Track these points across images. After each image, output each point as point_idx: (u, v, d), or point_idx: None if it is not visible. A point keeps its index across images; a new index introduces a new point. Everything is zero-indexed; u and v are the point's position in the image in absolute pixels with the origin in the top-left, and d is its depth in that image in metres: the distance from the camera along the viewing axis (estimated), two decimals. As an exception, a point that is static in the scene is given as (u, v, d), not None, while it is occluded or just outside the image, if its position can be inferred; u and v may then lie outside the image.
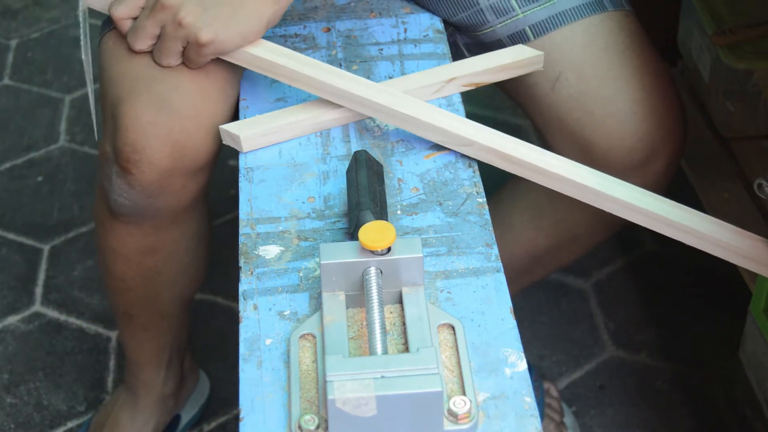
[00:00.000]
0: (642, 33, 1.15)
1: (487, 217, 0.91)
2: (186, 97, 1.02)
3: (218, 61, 1.04)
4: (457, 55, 1.20)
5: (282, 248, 0.89)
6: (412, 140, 1.00)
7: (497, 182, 1.32)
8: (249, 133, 0.99)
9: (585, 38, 1.12)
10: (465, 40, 1.19)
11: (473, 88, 1.06)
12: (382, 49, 1.11)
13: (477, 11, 1.13)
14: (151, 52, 1.03)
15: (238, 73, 1.08)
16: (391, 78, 1.07)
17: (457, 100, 1.04)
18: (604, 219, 1.19)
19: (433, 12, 1.16)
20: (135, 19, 1.03)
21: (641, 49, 1.13)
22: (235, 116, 1.08)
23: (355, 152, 0.91)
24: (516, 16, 1.12)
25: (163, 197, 1.06)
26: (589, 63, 1.11)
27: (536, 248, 1.26)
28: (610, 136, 1.11)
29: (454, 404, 0.73)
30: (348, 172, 0.90)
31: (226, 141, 1.01)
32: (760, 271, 0.97)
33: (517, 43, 1.12)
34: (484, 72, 1.05)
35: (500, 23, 1.13)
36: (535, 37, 1.12)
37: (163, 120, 1.01)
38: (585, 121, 1.12)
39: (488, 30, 1.14)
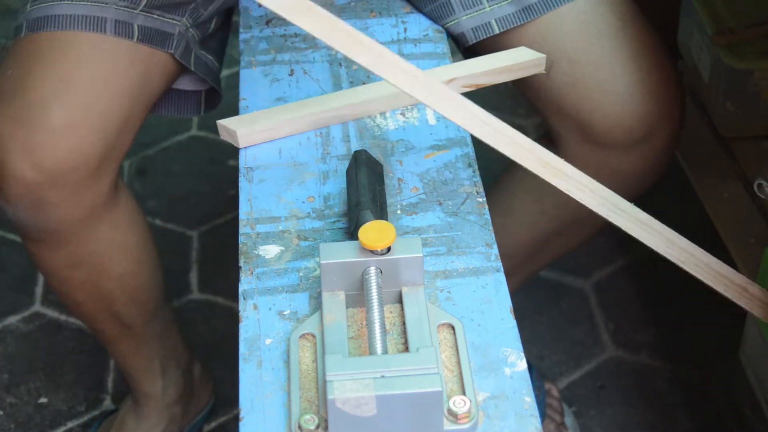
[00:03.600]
0: (636, 11, 1.14)
1: (487, 216, 0.91)
2: (48, 112, 1.02)
3: (93, 78, 1.05)
4: None
5: (282, 248, 0.89)
6: (412, 140, 1.00)
7: (497, 182, 1.32)
8: (246, 129, 0.99)
9: (576, 26, 1.11)
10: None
11: (473, 89, 1.06)
12: (382, 49, 1.11)
13: (444, 3, 1.13)
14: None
15: (129, 88, 1.08)
16: (391, 78, 1.07)
17: (457, 100, 1.04)
18: None
19: (416, 7, 1.15)
20: None
21: (636, 30, 1.12)
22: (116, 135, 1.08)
23: (354, 152, 0.91)
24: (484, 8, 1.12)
25: (45, 210, 1.07)
26: (582, 50, 1.11)
27: (540, 233, 1.26)
28: (608, 117, 1.11)
29: (454, 404, 0.73)
30: (348, 171, 0.90)
31: (223, 136, 1.01)
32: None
33: (482, 35, 1.12)
34: (485, 73, 1.05)
35: (465, 15, 1.13)
36: (500, 30, 1.11)
37: (22, 134, 1.02)
38: (582, 105, 1.12)
39: (452, 22, 1.13)
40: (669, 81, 1.14)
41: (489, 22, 1.11)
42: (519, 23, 1.10)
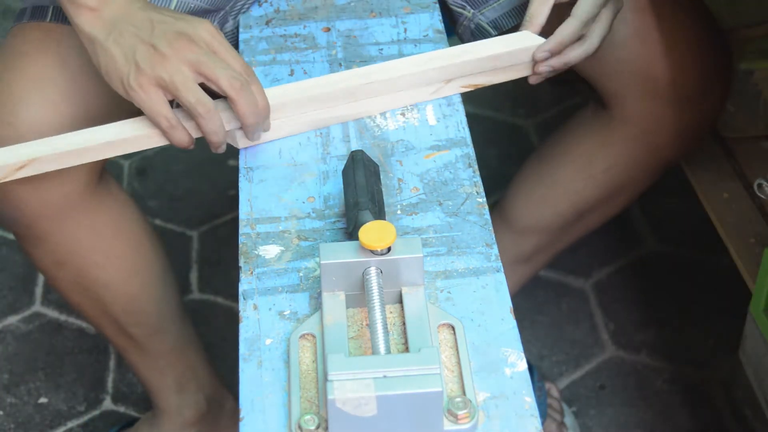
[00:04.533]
0: None
1: (487, 217, 0.91)
2: (14, 109, 1.02)
3: (71, 76, 1.04)
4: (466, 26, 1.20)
5: (282, 248, 0.89)
6: (412, 140, 1.00)
7: (497, 182, 1.32)
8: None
9: None
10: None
11: (472, 89, 1.06)
12: (382, 49, 1.11)
13: None
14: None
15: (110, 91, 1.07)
16: (391, 78, 1.07)
17: (457, 99, 1.04)
18: (653, 162, 1.22)
19: None
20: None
21: None
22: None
23: (351, 152, 0.91)
24: None
25: (13, 205, 1.07)
26: (647, 2, 1.13)
27: (583, 201, 1.26)
28: (674, 66, 1.13)
29: (454, 404, 0.73)
30: (345, 171, 0.90)
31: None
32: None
33: None
34: (483, 74, 1.05)
35: None
36: None
37: None
38: (649, 56, 1.13)
39: None
40: (720, 37, 1.17)
41: None
42: None
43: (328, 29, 1.14)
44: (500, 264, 0.87)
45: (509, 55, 1.04)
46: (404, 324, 0.80)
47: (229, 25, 1.15)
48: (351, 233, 0.84)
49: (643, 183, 1.26)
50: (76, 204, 1.10)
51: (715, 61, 1.16)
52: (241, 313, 0.83)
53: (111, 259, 1.18)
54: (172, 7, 1.07)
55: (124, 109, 1.06)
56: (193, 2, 1.09)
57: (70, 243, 1.14)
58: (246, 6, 1.16)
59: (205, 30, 0.92)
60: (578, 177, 1.25)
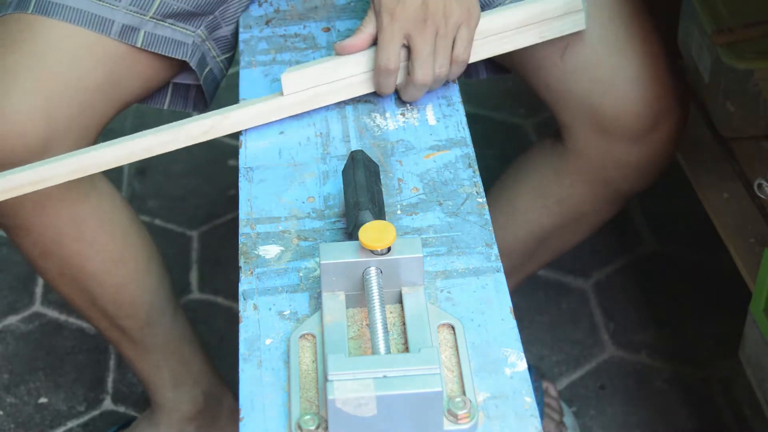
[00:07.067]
0: (644, 4, 1.16)
1: (487, 217, 0.91)
2: None
3: (51, 67, 1.05)
4: None
5: (282, 248, 0.89)
6: (412, 140, 1.00)
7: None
8: (293, 74, 1.00)
9: (591, 9, 1.11)
10: None
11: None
12: (382, 49, 1.11)
13: None
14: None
15: (93, 83, 1.08)
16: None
17: (457, 100, 1.04)
18: (608, 195, 1.21)
19: None
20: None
21: (645, 19, 1.14)
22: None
23: (351, 152, 0.91)
24: None
25: None
26: (597, 33, 1.11)
27: (541, 229, 1.26)
28: (619, 102, 1.12)
29: (454, 404, 0.73)
30: (345, 171, 0.90)
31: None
32: None
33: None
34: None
35: None
36: None
37: None
38: (594, 90, 1.12)
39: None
40: (674, 71, 1.16)
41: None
42: None
43: (328, 29, 1.13)
44: (500, 264, 0.87)
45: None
46: (404, 324, 0.80)
47: (223, 31, 1.15)
48: (351, 233, 0.84)
49: (604, 212, 1.26)
50: (55, 194, 1.11)
51: (668, 95, 1.14)
52: (241, 313, 0.84)
53: (95, 249, 1.18)
54: (154, 8, 1.08)
55: (96, 100, 1.08)
56: (176, 4, 1.10)
57: (53, 233, 1.14)
58: (239, 10, 1.16)
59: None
60: (534, 206, 1.25)
